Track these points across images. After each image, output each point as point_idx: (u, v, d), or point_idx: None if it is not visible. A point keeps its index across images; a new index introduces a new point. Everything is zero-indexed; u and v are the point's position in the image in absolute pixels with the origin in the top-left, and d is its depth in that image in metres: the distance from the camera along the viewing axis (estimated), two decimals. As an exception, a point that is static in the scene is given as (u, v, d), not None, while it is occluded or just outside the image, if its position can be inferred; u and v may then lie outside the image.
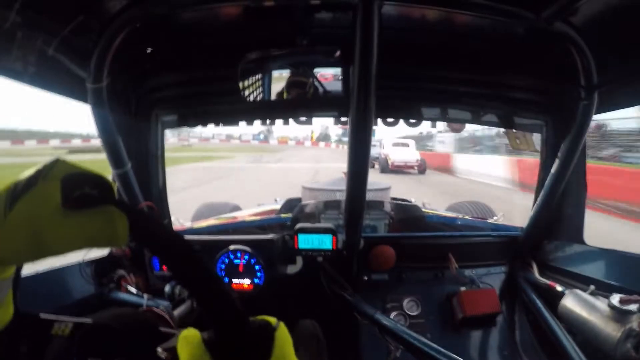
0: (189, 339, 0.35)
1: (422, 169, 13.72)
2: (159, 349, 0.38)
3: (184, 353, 0.34)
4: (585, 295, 1.03)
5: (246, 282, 1.24)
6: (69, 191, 0.31)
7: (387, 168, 13.57)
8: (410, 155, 13.99)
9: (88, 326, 0.46)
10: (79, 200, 0.31)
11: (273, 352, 0.35)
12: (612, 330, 0.89)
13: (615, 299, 0.90)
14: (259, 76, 1.19)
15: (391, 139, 14.87)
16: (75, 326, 0.47)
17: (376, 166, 14.37)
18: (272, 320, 0.38)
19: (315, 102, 1.22)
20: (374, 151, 14.21)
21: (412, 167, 13.61)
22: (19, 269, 0.37)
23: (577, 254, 1.25)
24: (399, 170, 13.29)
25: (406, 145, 14.64)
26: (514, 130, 1.40)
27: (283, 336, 0.37)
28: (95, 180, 0.32)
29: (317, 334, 0.92)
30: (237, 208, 2.71)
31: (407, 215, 1.88)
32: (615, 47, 0.94)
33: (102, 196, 0.32)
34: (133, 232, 0.32)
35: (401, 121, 1.38)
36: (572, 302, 1.03)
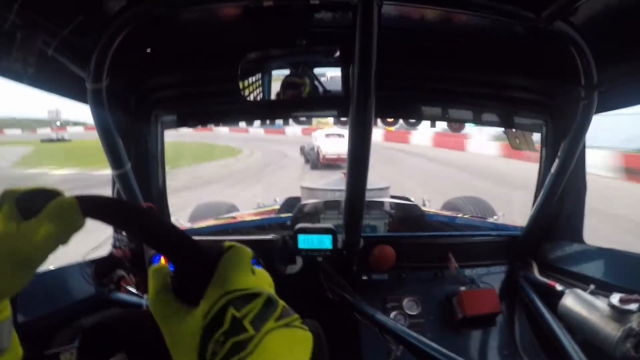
0: (157, 271, 0.36)
1: None
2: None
3: (151, 284, 0.36)
4: (585, 295, 1.03)
5: None
6: (23, 204, 0.35)
7: (318, 163, 12.11)
8: (344, 146, 12.28)
9: (88, 328, 0.46)
10: (32, 205, 0.35)
11: (215, 272, 0.34)
12: (612, 330, 0.89)
13: (615, 298, 0.90)
14: (258, 76, 1.19)
15: (326, 130, 13.11)
16: (76, 328, 0.47)
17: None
18: (232, 244, 0.37)
19: (315, 101, 1.22)
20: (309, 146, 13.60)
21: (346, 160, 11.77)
22: (15, 307, 0.38)
23: (577, 254, 1.25)
24: (333, 164, 11.60)
25: (341, 136, 12.52)
26: (514, 130, 1.40)
27: (231, 258, 0.36)
28: (40, 188, 0.36)
29: (319, 334, 0.92)
30: (234, 208, 2.72)
31: (406, 215, 1.89)
32: (615, 47, 0.94)
33: (48, 194, 0.36)
34: (85, 211, 0.35)
35: (400, 121, 1.39)
36: (572, 302, 1.04)
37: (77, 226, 0.36)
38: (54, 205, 0.35)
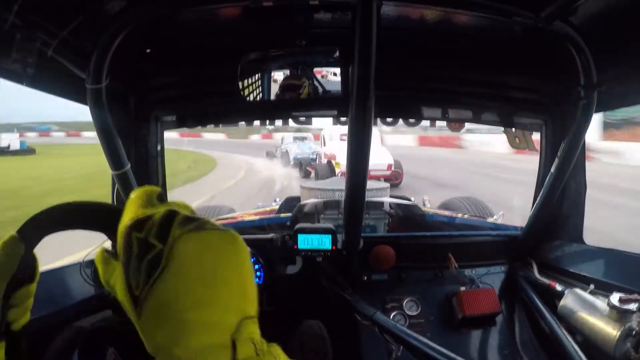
0: (102, 251, 0.37)
1: (397, 180, 7.70)
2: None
3: (97, 263, 0.36)
4: (585, 295, 1.03)
5: None
6: None
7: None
8: (377, 156, 7.19)
9: (87, 329, 0.46)
10: None
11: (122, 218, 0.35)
12: (611, 330, 0.89)
13: (615, 298, 0.90)
14: (258, 76, 1.19)
15: (338, 129, 8.54)
16: (76, 328, 0.47)
17: (312, 174, 8.63)
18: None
19: (314, 102, 1.22)
20: (306, 150, 9.97)
21: (381, 177, 7.14)
22: None
23: (577, 254, 1.25)
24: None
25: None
26: (514, 130, 1.40)
27: (131, 198, 0.36)
28: None
29: (322, 335, 0.92)
30: (232, 212, 2.72)
31: (406, 215, 1.89)
32: (615, 46, 0.94)
33: None
34: (24, 239, 0.37)
35: (400, 121, 1.39)
36: (572, 302, 1.04)
37: (18, 253, 0.37)
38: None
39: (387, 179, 7.10)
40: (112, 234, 0.35)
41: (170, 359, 0.30)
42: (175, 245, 0.31)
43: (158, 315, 0.30)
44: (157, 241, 0.31)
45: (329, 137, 8.71)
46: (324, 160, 8.30)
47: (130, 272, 0.31)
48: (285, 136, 10.22)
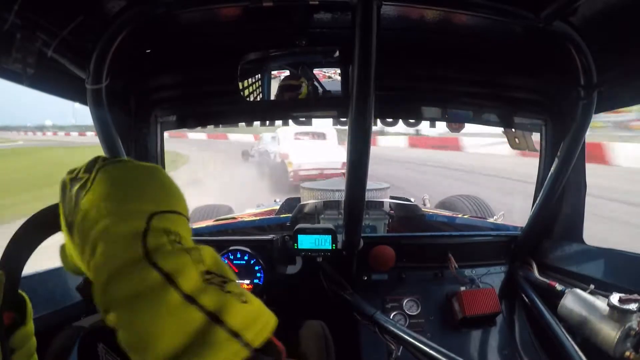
0: (62, 246, 0.38)
1: None
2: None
3: (61, 258, 0.38)
4: (585, 295, 1.03)
5: (246, 282, 1.24)
6: None
7: (286, 181, 7.28)
8: (330, 154, 7.59)
9: (87, 329, 0.46)
10: None
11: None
12: (611, 329, 0.90)
13: (615, 298, 0.91)
14: (258, 77, 1.19)
15: (293, 128, 8.13)
16: (76, 328, 0.47)
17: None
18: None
19: (314, 102, 1.22)
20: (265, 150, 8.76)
21: (335, 175, 6.78)
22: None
23: (577, 254, 1.25)
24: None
25: (319, 136, 8.43)
26: (513, 130, 1.40)
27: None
28: None
29: (325, 335, 0.92)
30: (231, 211, 2.72)
31: (406, 215, 1.89)
32: (615, 46, 0.94)
33: None
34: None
35: (400, 121, 1.39)
36: (572, 302, 1.04)
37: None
38: None
39: (341, 176, 6.52)
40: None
41: (96, 262, 0.31)
42: (99, 171, 0.34)
43: (83, 227, 0.32)
44: (84, 174, 0.35)
45: (284, 136, 8.35)
46: (278, 159, 7.95)
47: (64, 207, 0.35)
48: (264, 136, 9.42)
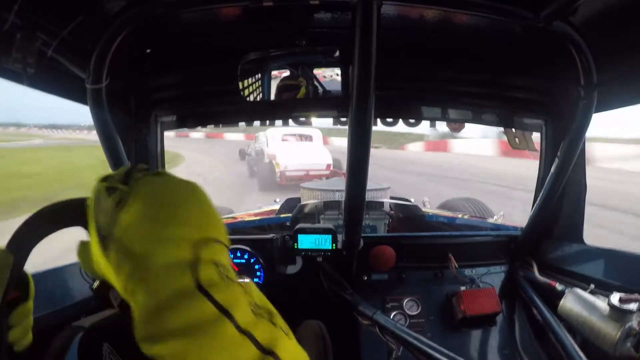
0: (80, 242, 0.38)
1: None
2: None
3: (78, 255, 0.38)
4: (585, 295, 1.03)
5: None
6: None
7: (274, 181, 7.65)
8: (316, 156, 8.12)
9: (87, 329, 0.46)
10: None
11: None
12: (611, 329, 0.90)
13: (615, 298, 0.90)
14: (258, 76, 1.19)
15: (281, 130, 8.72)
16: (76, 328, 0.47)
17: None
18: None
19: (314, 102, 1.22)
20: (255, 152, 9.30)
21: (320, 176, 7.27)
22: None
23: (577, 253, 1.25)
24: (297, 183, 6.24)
25: (307, 138, 8.86)
26: (513, 130, 1.40)
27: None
28: None
29: (323, 335, 0.92)
30: (231, 212, 2.72)
31: (406, 215, 1.89)
32: (615, 46, 0.94)
33: None
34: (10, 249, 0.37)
35: (400, 121, 1.39)
36: (572, 301, 1.04)
37: (7, 264, 0.37)
38: None
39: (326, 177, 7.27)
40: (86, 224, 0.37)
41: (138, 285, 0.30)
42: (137, 184, 0.33)
43: (122, 246, 0.31)
44: (121, 185, 0.33)
45: (272, 137, 8.72)
46: (267, 160, 8.27)
47: (98, 217, 0.33)
48: (260, 135, 9.54)
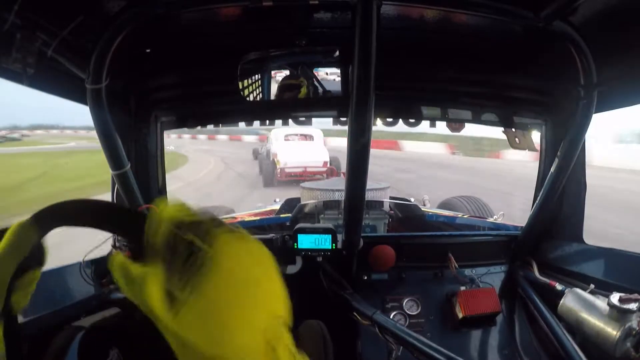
0: (115, 259, 0.37)
1: (332, 175, 8.22)
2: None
3: (114, 272, 0.37)
4: (585, 294, 1.03)
5: None
6: None
7: (274, 178, 8.40)
8: (314, 154, 8.77)
9: (87, 329, 0.47)
10: None
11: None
12: (611, 329, 0.90)
13: (615, 297, 0.90)
14: (258, 76, 1.19)
15: (284, 130, 9.42)
16: (76, 328, 0.47)
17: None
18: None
19: (314, 102, 1.22)
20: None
21: (317, 173, 8.26)
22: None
23: (577, 253, 1.25)
24: (296, 180, 7.61)
25: (308, 137, 9.43)
26: (513, 130, 1.40)
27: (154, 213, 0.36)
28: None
29: (323, 335, 0.92)
30: (231, 212, 2.73)
31: (406, 215, 1.89)
32: (615, 46, 0.94)
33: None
34: (37, 225, 0.38)
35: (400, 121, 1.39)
36: (572, 301, 1.04)
37: (31, 240, 0.38)
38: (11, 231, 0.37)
39: (322, 174, 8.35)
40: (131, 237, 0.36)
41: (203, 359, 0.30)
42: (218, 246, 0.33)
43: (199, 313, 0.31)
44: (201, 241, 0.32)
45: (275, 137, 9.41)
46: (271, 158, 9.01)
47: (171, 271, 0.32)
48: (270, 135, 10.20)
